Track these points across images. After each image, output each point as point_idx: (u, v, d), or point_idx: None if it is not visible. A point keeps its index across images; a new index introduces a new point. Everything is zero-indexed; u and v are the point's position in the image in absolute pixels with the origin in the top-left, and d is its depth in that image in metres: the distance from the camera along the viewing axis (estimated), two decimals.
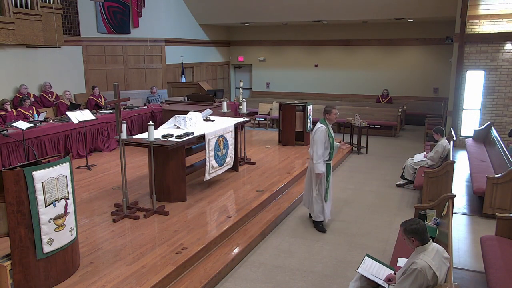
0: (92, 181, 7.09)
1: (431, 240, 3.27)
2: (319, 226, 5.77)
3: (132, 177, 7.12)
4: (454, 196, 4.65)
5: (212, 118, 7.66)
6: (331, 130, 5.58)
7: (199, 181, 6.98)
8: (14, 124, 7.17)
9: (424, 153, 7.83)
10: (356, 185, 7.76)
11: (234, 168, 7.57)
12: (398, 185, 7.77)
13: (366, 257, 3.75)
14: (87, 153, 8.37)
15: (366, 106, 13.33)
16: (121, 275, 4.06)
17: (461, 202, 6.89)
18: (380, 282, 3.49)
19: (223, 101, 8.54)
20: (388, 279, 3.49)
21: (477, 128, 10.04)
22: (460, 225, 6.05)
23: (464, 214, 6.48)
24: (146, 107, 10.80)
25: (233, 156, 7.24)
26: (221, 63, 16.44)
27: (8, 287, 3.66)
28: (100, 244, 4.71)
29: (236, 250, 4.93)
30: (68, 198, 3.95)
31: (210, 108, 8.39)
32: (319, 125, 5.53)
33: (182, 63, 13.50)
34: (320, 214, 5.71)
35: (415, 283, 3.09)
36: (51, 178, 3.74)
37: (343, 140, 10.73)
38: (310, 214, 5.96)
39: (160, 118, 10.15)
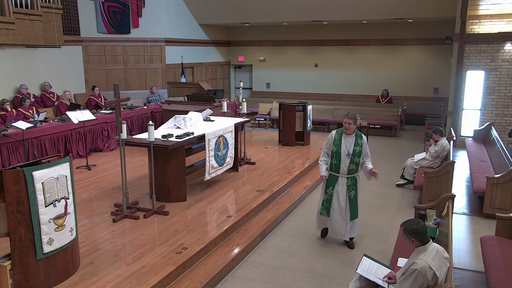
0: (92, 181, 7.09)
1: (431, 240, 3.27)
2: (322, 232, 5.54)
3: (132, 177, 7.12)
4: (454, 196, 4.65)
5: (212, 118, 7.66)
6: (345, 140, 5.04)
7: (199, 181, 6.98)
8: (14, 124, 7.17)
9: (425, 152, 7.83)
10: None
11: (234, 168, 7.57)
12: (398, 185, 7.77)
13: (364, 257, 3.75)
14: (87, 153, 8.37)
15: (366, 106, 13.33)
16: (121, 275, 4.06)
17: (461, 202, 6.89)
18: (380, 282, 3.49)
19: (223, 101, 8.54)
20: (388, 278, 3.50)
21: (477, 128, 10.03)
22: (460, 225, 6.05)
23: (464, 214, 6.48)
24: (146, 107, 10.80)
25: (233, 156, 7.24)
26: (221, 63, 16.44)
27: (8, 287, 3.66)
28: (100, 244, 4.71)
29: (236, 250, 4.93)
30: (68, 198, 3.95)
31: (210, 108, 8.39)
32: (334, 130, 5.28)
33: (182, 63, 13.50)
34: (319, 224, 5.46)
35: (415, 283, 3.09)
36: (51, 178, 3.74)
37: None
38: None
39: (160, 118, 10.15)
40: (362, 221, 6.10)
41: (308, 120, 9.95)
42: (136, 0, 12.16)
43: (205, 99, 10.27)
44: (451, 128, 9.51)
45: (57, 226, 3.82)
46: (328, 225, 5.36)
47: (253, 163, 8.16)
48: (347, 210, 5.13)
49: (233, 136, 7.18)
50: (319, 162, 5.28)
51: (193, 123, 6.73)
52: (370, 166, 5.09)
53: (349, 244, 5.30)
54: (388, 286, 3.46)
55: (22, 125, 7.14)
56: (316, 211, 5.53)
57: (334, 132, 5.16)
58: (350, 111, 5.39)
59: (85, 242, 4.73)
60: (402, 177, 7.79)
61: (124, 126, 5.37)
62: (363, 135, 5.14)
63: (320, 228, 5.50)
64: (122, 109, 9.38)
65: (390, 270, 3.64)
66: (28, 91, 9.63)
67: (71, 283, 3.94)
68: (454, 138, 8.26)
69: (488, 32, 10.12)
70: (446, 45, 13.31)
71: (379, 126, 12.53)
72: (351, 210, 5.14)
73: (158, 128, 6.68)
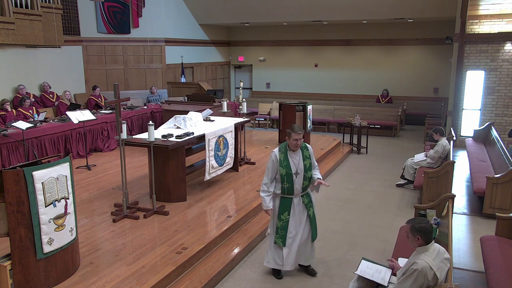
0: (92, 181, 7.09)
1: (433, 241, 3.28)
2: (275, 272, 4.58)
3: (132, 177, 7.12)
4: (454, 196, 4.64)
5: (212, 118, 7.66)
6: (292, 158, 4.30)
7: (199, 181, 6.98)
8: (14, 124, 7.17)
9: (425, 152, 7.83)
10: (356, 185, 7.75)
11: (234, 168, 7.57)
12: (398, 185, 7.77)
13: (362, 260, 3.77)
14: (87, 153, 8.37)
15: (366, 106, 13.33)
16: (121, 275, 4.06)
17: (461, 202, 6.89)
18: (379, 281, 3.50)
19: (223, 101, 8.54)
20: (392, 267, 3.55)
21: (477, 128, 10.03)
22: (460, 225, 6.05)
23: (464, 214, 6.48)
24: (146, 107, 10.80)
25: (233, 156, 7.24)
26: (221, 63, 16.44)
27: (8, 287, 3.66)
28: (100, 244, 4.71)
29: (236, 250, 4.93)
30: (68, 198, 3.95)
31: (210, 108, 8.39)
32: (275, 149, 4.44)
33: (182, 63, 13.50)
34: (272, 260, 4.48)
35: (416, 283, 3.09)
36: (51, 178, 3.74)
37: (343, 142, 10.74)
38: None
39: (160, 118, 10.15)
40: (362, 221, 6.12)
41: (308, 120, 9.94)
42: (136, 0, 12.16)
43: (205, 99, 10.27)
44: (451, 128, 9.51)
45: (57, 226, 3.82)
46: (284, 258, 4.43)
47: (253, 163, 8.16)
48: (306, 231, 4.46)
49: (233, 136, 7.18)
50: (261, 194, 4.34)
51: (193, 123, 6.73)
52: (317, 175, 4.41)
53: (311, 271, 4.61)
54: (388, 286, 3.47)
55: (22, 125, 7.14)
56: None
57: (276, 152, 4.35)
58: (294, 123, 4.44)
59: (85, 242, 4.73)
60: (402, 177, 7.79)
61: (124, 126, 5.37)
62: (307, 144, 4.45)
63: (273, 265, 4.50)
64: (122, 109, 9.39)
65: (390, 269, 3.65)
66: (26, 91, 9.62)
67: (71, 283, 3.94)
68: (454, 138, 8.25)
69: (488, 32, 10.12)
70: (446, 45, 13.31)
71: (379, 126, 12.53)
72: (312, 230, 4.49)
73: (158, 128, 6.68)
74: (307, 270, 4.64)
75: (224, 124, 7.06)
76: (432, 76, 14.11)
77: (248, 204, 6.00)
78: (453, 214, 5.13)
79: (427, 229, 3.20)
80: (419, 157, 7.70)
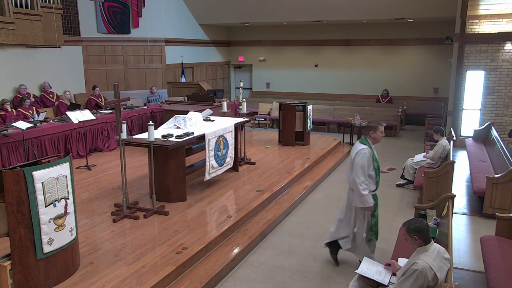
0: (92, 181, 7.09)
1: (432, 241, 3.28)
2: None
3: (132, 177, 7.12)
4: (454, 196, 4.64)
5: (212, 118, 7.66)
6: (375, 152, 4.49)
7: (199, 181, 6.98)
8: (14, 124, 7.17)
9: (424, 153, 7.82)
10: None
11: (234, 168, 7.57)
12: (398, 185, 7.76)
13: (363, 260, 3.77)
14: (87, 153, 8.37)
15: (366, 106, 13.33)
16: (121, 275, 4.06)
17: (461, 202, 6.89)
18: (379, 280, 3.50)
19: (223, 101, 8.54)
20: (388, 265, 3.57)
21: (477, 128, 10.03)
22: (460, 225, 6.04)
23: (464, 214, 6.48)
24: (146, 107, 10.80)
25: (233, 156, 7.24)
26: (221, 63, 16.44)
27: (8, 287, 3.66)
28: (100, 244, 4.71)
29: (236, 250, 4.93)
30: (68, 198, 3.95)
31: (210, 108, 8.39)
32: (360, 145, 4.45)
33: (182, 63, 13.50)
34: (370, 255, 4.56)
35: (416, 283, 3.09)
36: (51, 178, 3.74)
37: (343, 141, 10.73)
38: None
39: (160, 118, 10.15)
40: None
41: (308, 120, 9.95)
42: (136, 0, 12.16)
43: (205, 99, 10.26)
44: (451, 128, 9.51)
45: (57, 226, 3.82)
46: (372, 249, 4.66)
47: (253, 163, 8.16)
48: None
49: (233, 136, 7.18)
50: (364, 192, 4.37)
51: (193, 123, 6.73)
52: None
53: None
54: (388, 286, 3.47)
55: (22, 125, 7.14)
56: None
57: (365, 148, 4.41)
58: (371, 120, 4.75)
59: (85, 242, 4.73)
60: (402, 177, 7.79)
61: (124, 126, 5.37)
62: None
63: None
64: (122, 109, 9.38)
65: (390, 271, 3.65)
66: (27, 91, 9.62)
67: (71, 283, 3.94)
68: (454, 138, 8.25)
69: (488, 32, 10.12)
70: (446, 45, 13.31)
71: None
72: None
73: (158, 128, 6.68)
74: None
75: (224, 124, 7.06)
76: (432, 76, 14.11)
77: (248, 204, 6.00)
78: (453, 214, 5.13)
79: (422, 228, 3.21)
80: (419, 157, 7.70)
